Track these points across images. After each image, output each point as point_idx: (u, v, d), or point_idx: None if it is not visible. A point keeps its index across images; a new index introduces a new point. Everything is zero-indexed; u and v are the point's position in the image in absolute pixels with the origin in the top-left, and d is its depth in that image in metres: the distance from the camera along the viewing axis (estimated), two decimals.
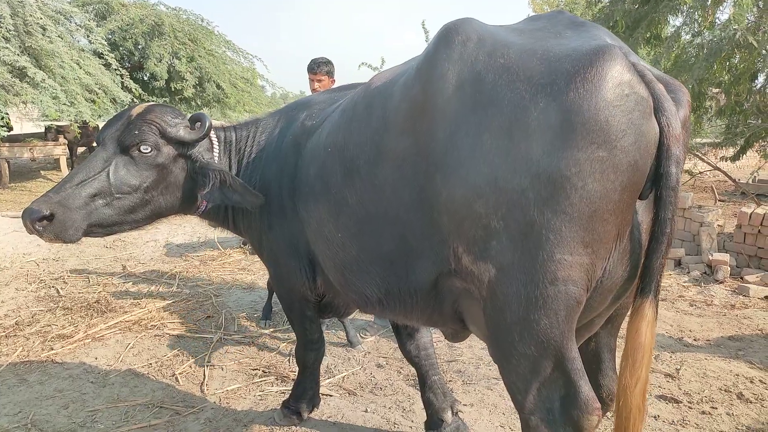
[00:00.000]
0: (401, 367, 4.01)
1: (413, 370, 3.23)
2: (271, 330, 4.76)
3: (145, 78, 14.38)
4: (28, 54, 10.05)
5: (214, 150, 2.79)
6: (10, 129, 13.02)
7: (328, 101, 2.65)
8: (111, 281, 6.10)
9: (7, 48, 9.30)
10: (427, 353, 2.88)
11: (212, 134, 2.78)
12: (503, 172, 1.58)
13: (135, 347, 4.37)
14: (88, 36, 12.31)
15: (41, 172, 14.77)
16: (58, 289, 5.74)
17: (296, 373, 3.84)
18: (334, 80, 5.21)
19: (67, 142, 13.55)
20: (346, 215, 2.11)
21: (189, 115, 2.71)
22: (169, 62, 13.82)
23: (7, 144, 12.53)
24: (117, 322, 4.83)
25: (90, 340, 4.49)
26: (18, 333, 4.68)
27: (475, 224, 1.64)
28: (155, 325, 4.77)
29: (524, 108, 1.56)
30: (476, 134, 1.64)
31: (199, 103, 16.19)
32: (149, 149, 2.49)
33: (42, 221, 2.31)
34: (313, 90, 5.17)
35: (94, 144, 15.32)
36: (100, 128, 2.68)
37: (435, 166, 1.74)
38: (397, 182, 1.88)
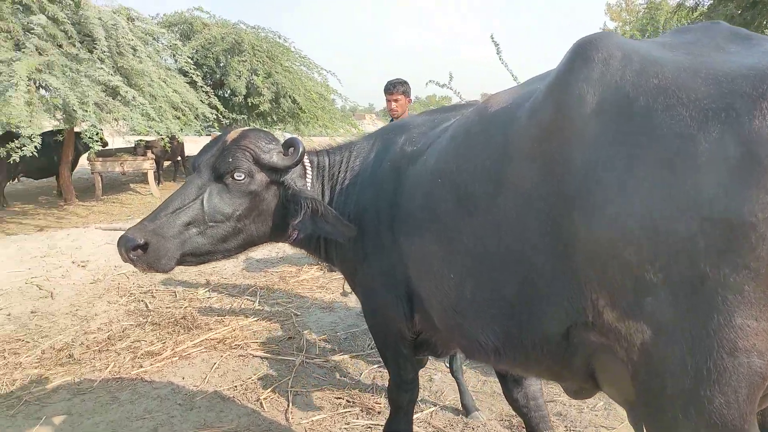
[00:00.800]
0: (493, 404, 3.75)
1: (506, 407, 2.97)
2: (351, 355, 4.64)
3: (226, 94, 14.90)
4: (120, 74, 10.63)
5: (307, 176, 2.67)
6: (105, 144, 13.86)
7: (428, 124, 2.48)
8: (196, 295, 6.21)
9: (102, 68, 9.85)
10: (537, 404, 2.61)
11: (305, 159, 2.68)
12: (663, 214, 1.33)
13: (220, 367, 4.37)
14: (174, 55, 12.93)
15: (130, 185, 15.60)
16: (146, 303, 5.91)
17: (381, 405, 3.70)
18: (410, 99, 5.30)
19: (154, 157, 14.22)
20: (458, 252, 1.91)
21: (282, 140, 2.63)
22: (248, 78, 14.26)
23: (100, 159, 13.30)
24: (202, 340, 4.87)
25: (177, 358, 4.54)
26: (110, 348, 4.82)
27: (624, 274, 1.40)
28: (239, 345, 4.76)
29: (690, 137, 1.31)
30: (625, 167, 1.40)
31: (275, 118, 16.60)
32: (242, 176, 2.40)
33: (136, 250, 2.25)
34: (391, 110, 5.14)
35: (178, 159, 16.06)
36: (196, 154, 2.63)
37: (571, 201, 1.51)
38: (522, 217, 1.66)
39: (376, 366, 4.39)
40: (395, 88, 5.03)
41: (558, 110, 1.56)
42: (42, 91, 9.63)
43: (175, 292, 6.32)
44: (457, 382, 3.67)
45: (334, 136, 19.45)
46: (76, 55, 9.89)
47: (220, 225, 2.43)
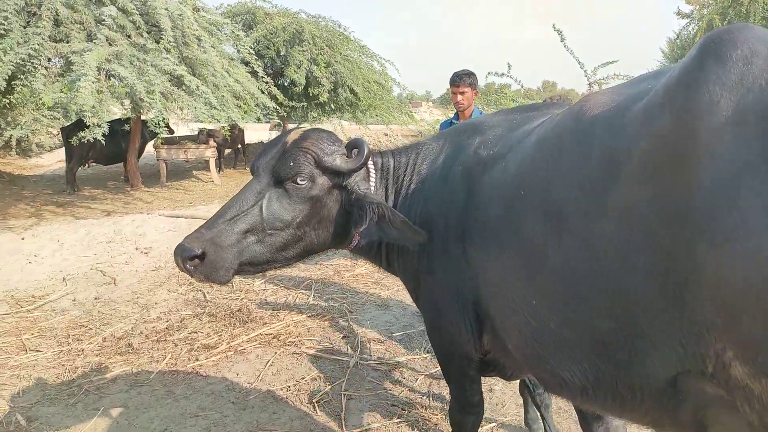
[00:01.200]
0: (559, 422, 3.47)
1: (575, 427, 2.70)
2: (407, 357, 4.46)
3: (286, 84, 14.97)
4: (185, 63, 10.82)
5: (371, 179, 2.47)
6: (171, 132, 14.26)
7: (506, 125, 2.23)
8: (252, 287, 6.20)
9: (167, 58, 10.05)
10: None
11: (369, 162, 2.49)
12: None
13: (274, 365, 4.30)
14: (236, 45, 13.07)
15: (193, 172, 16.01)
16: (204, 294, 5.94)
17: (438, 418, 3.51)
18: (477, 92, 5.02)
19: (216, 145, 14.50)
20: (543, 275, 1.66)
21: (346, 142, 2.45)
22: (308, 68, 14.25)
23: (165, 146, 13.68)
24: (257, 335, 4.82)
25: (232, 352, 4.50)
26: (168, 338, 4.85)
27: (766, 326, 1.13)
28: (293, 342, 4.68)
29: None
30: None
31: (333, 107, 16.58)
32: (304, 181, 2.23)
33: (193, 260, 2.09)
34: (456, 103, 4.89)
35: (239, 146, 16.32)
36: (256, 156, 2.47)
37: (695, 231, 1.23)
38: (627, 245, 1.39)
39: (433, 371, 4.20)
40: (461, 80, 4.78)
41: (680, 119, 1.29)
42: (111, 80, 9.91)
43: (231, 283, 6.32)
44: (523, 398, 3.42)
45: (390, 125, 19.31)
46: (144, 45, 10.13)
47: (279, 233, 2.26)
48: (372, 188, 2.43)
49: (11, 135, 9.98)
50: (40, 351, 4.63)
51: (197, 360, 4.38)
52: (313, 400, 3.75)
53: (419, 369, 4.27)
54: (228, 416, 3.58)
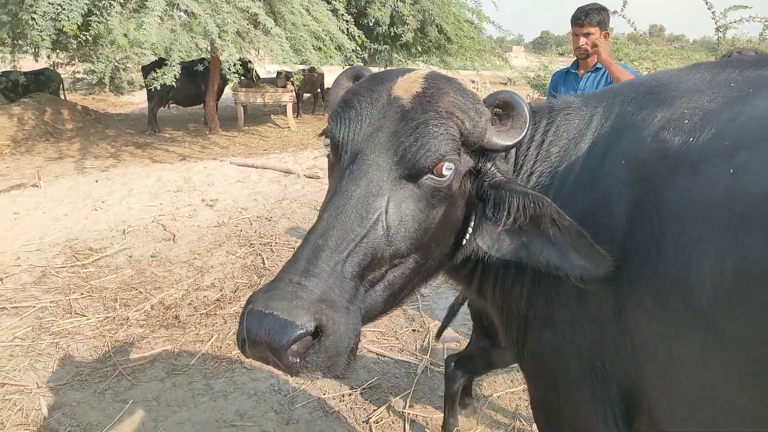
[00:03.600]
0: None
1: None
2: None
3: (370, 24, 13.90)
4: (262, 0, 10.10)
5: (510, 159, 1.57)
6: (253, 74, 13.79)
7: (718, 92, 1.28)
8: None
9: None
10: None
11: None
12: None
13: None
14: None
15: (271, 116, 15.61)
16: (263, 259, 5.40)
17: None
18: (608, 33, 3.76)
19: (293, 89, 13.89)
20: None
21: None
22: (393, 6, 13.08)
23: (242, 90, 13.24)
24: None
25: None
26: (217, 311, 4.34)
27: None
28: None
29: None
30: None
31: (420, 49, 15.37)
32: (451, 170, 1.33)
33: (301, 339, 1.09)
34: (577, 48, 3.76)
35: (318, 91, 15.65)
36: (332, 116, 1.42)
37: None
38: None
39: (519, 388, 3.39)
40: (588, 17, 3.65)
41: None
42: (185, 17, 9.38)
43: (294, 248, 5.72)
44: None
45: (480, 71, 17.81)
46: None
47: (412, 255, 1.36)
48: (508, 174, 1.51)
49: (91, 69, 9.88)
50: (85, 316, 4.27)
51: None
52: (370, 420, 3.07)
53: (502, 381, 3.47)
54: (267, 431, 2.99)
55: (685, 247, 1.08)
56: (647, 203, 1.19)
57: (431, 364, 3.64)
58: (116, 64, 10.24)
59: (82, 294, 4.64)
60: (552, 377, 1.49)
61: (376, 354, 3.74)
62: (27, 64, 12.27)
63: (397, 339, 3.94)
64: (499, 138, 1.38)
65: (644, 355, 1.22)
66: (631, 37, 14.60)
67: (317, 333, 1.11)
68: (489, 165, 1.41)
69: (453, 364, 2.83)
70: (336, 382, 3.44)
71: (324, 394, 3.31)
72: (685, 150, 1.17)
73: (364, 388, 3.37)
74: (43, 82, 14.21)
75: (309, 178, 8.63)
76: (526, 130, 1.38)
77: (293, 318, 1.08)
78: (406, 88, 1.37)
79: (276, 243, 5.87)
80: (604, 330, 1.30)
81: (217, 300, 4.53)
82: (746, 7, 11.35)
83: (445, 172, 1.30)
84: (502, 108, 1.43)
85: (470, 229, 1.47)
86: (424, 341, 3.91)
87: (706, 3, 11.86)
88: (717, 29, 12.12)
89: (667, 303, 1.12)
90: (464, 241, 1.47)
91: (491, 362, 2.71)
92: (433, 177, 1.30)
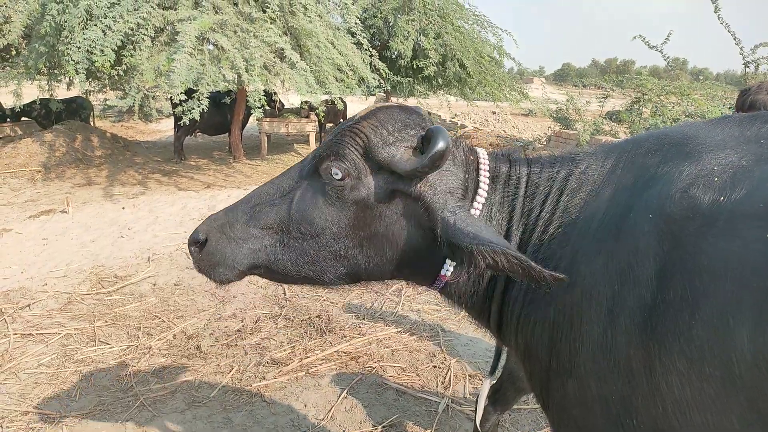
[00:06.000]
0: None
1: None
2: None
3: (393, 56, 14.16)
4: (290, 34, 10.38)
5: (479, 195, 1.58)
6: (278, 105, 14.09)
7: (740, 147, 1.28)
8: None
9: (271, 29, 9.63)
10: None
11: (484, 167, 1.62)
12: None
13: (348, 398, 3.62)
14: (343, 14, 12.44)
15: (294, 145, 15.88)
16: (284, 289, 5.42)
17: None
18: None
19: (317, 120, 14.13)
20: None
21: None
22: (416, 39, 13.33)
23: (267, 119, 13.52)
24: (334, 352, 4.18)
25: (303, 373, 3.89)
26: (238, 342, 4.36)
27: None
28: (374, 367, 3.98)
29: None
30: None
31: (440, 82, 15.57)
32: (339, 174, 1.53)
33: (196, 245, 1.70)
34: None
35: (341, 121, 15.97)
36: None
37: None
38: None
39: (544, 430, 3.32)
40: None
41: None
42: (214, 51, 9.67)
43: None
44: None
45: (499, 103, 17.91)
46: (249, 14, 9.78)
47: (308, 240, 1.62)
48: (478, 210, 1.57)
49: (121, 97, 10.17)
50: (108, 344, 4.32)
51: (264, 378, 3.82)
52: None
53: (526, 422, 3.41)
54: None
55: (721, 312, 1.06)
56: (678, 261, 1.18)
57: (452, 402, 3.59)
58: (146, 92, 10.60)
59: (106, 322, 4.70)
60: (577, 429, 1.47)
61: (396, 390, 3.71)
62: (60, 91, 12.73)
63: (418, 375, 3.90)
64: (402, 161, 1.48)
65: (677, 421, 1.19)
66: (653, 71, 14.59)
67: (204, 243, 1.68)
68: (428, 194, 1.49)
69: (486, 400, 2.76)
70: (357, 419, 3.40)
71: (344, 431, 3.28)
72: (717, 209, 1.15)
73: (384, 426, 3.33)
74: (75, 110, 14.70)
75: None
76: (429, 160, 1.43)
77: (197, 231, 1.71)
78: (362, 112, 1.63)
79: None
80: (633, 386, 1.27)
81: (238, 331, 4.56)
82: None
83: (333, 174, 1.53)
84: (428, 139, 1.48)
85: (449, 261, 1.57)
86: (445, 378, 3.87)
87: (734, 39, 11.84)
88: (745, 64, 12.06)
89: (702, 369, 1.09)
90: (445, 269, 1.59)
91: (521, 386, 2.66)
92: (327, 176, 1.55)
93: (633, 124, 12.58)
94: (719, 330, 1.07)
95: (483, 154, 1.66)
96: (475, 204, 1.58)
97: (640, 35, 12.03)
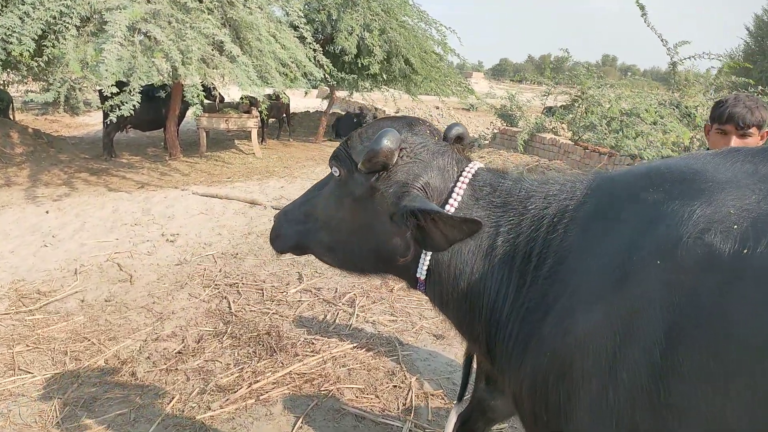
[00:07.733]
0: None
1: None
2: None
3: (337, 51, 13.80)
4: (229, 26, 9.86)
5: (454, 196, 1.62)
6: (217, 99, 13.45)
7: (756, 186, 1.14)
8: (285, 297, 5.28)
9: (209, 20, 9.10)
10: None
11: (467, 172, 1.66)
12: None
13: (304, 428, 3.36)
14: (285, 7, 11.97)
15: (235, 141, 15.24)
16: (230, 302, 5.06)
17: None
18: (765, 136, 2.79)
19: (258, 115, 13.60)
20: None
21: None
22: (359, 35, 13.04)
23: (206, 115, 12.86)
24: (286, 374, 3.89)
25: (253, 400, 3.59)
26: (179, 366, 3.99)
27: None
28: (330, 390, 3.73)
29: None
30: None
31: (386, 78, 15.37)
32: (338, 172, 1.83)
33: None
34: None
35: (283, 116, 15.48)
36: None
37: None
38: None
39: None
40: (753, 114, 2.66)
41: None
42: (147, 42, 9.02)
43: (262, 289, 5.43)
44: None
45: (443, 98, 17.90)
46: (185, 3, 9.18)
47: (326, 229, 1.92)
48: (453, 209, 1.61)
49: (45, 89, 9.34)
50: (30, 372, 3.85)
51: (209, 409, 3.49)
52: None
53: None
54: None
55: (751, 383, 0.92)
56: (694, 319, 1.03)
57: (416, 426, 3.40)
58: (72, 84, 9.78)
59: (27, 346, 4.21)
60: None
61: (355, 416, 3.47)
62: None
63: (378, 397, 3.68)
64: (356, 156, 1.72)
65: None
66: (586, 67, 15.07)
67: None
68: (382, 185, 1.65)
69: None
70: None
71: None
72: (739, 264, 1.01)
73: None
74: None
75: (276, 209, 8.33)
76: (362, 157, 1.64)
77: (276, 217, 2.10)
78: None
79: (243, 283, 5.54)
80: (635, 423, 1.12)
81: (179, 353, 4.18)
82: (685, 42, 12.32)
83: (333, 171, 1.82)
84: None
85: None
86: (406, 399, 3.67)
87: (662, 40, 12.44)
88: (671, 64, 12.83)
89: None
90: (422, 260, 1.67)
91: (491, 417, 2.49)
92: (332, 172, 1.84)
93: (572, 124, 12.88)
94: (748, 405, 0.92)
95: (472, 167, 1.69)
96: (446, 207, 1.61)
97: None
